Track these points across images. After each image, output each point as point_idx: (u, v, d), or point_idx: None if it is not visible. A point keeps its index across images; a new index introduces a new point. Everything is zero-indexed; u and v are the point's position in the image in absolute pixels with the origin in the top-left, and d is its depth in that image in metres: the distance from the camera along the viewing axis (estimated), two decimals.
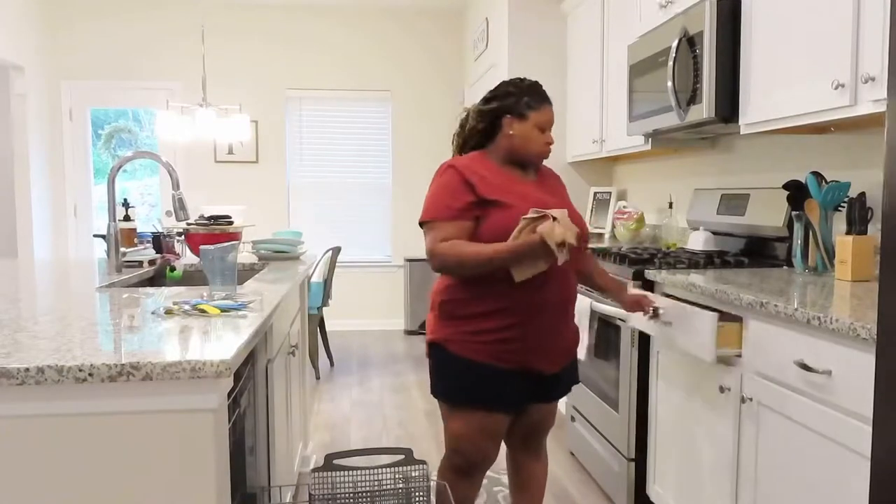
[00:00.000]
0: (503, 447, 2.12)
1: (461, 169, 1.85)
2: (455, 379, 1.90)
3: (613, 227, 4.07)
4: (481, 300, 1.83)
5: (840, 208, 2.20)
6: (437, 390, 1.95)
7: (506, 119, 1.90)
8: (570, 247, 1.66)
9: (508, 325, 1.82)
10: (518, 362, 1.86)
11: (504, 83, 1.95)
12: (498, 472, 3.00)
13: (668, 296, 2.24)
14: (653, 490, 2.47)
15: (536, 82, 1.94)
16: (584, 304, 2.78)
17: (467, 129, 2.00)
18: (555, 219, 1.67)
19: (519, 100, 1.90)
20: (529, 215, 1.71)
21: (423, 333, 5.77)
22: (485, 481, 2.91)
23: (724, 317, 1.92)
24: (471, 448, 1.93)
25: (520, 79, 1.95)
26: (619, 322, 2.58)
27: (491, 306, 1.82)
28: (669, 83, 2.58)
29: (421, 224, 1.87)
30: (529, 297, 1.81)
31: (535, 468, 2.14)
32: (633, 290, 2.19)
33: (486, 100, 1.96)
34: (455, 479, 1.97)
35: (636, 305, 2.10)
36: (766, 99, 2.19)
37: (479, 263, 1.76)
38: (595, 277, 2.09)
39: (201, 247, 1.92)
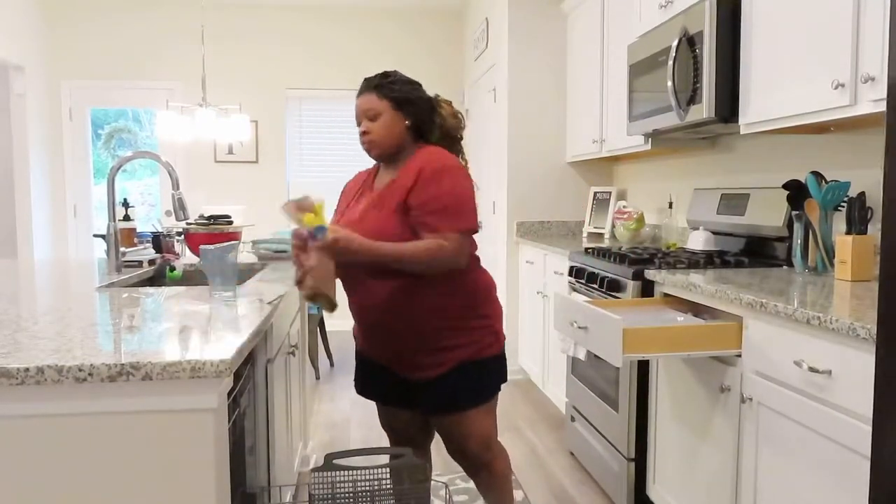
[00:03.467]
0: None
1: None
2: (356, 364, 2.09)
3: (613, 226, 4.07)
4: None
5: (840, 208, 2.20)
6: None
7: None
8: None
9: (356, 322, 1.96)
10: (376, 357, 1.96)
11: None
12: None
13: (590, 300, 2.28)
14: (653, 490, 2.47)
15: (374, 75, 1.90)
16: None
17: None
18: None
19: None
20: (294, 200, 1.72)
21: None
22: None
23: (714, 314, 1.92)
24: (387, 431, 2.13)
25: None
26: None
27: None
28: (669, 83, 2.58)
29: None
30: (351, 298, 1.91)
31: (479, 480, 2.00)
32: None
33: None
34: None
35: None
36: (766, 99, 2.19)
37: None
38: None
39: (201, 247, 1.92)
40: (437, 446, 3.33)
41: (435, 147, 1.90)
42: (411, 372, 1.89)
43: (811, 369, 1.55)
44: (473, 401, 1.89)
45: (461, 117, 2.00)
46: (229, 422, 1.32)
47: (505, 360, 1.95)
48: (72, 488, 1.13)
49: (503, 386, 4.55)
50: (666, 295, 2.31)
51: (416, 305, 1.81)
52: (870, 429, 1.37)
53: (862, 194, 2.06)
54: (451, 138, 1.97)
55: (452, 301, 1.83)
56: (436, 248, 1.74)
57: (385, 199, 1.82)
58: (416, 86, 1.91)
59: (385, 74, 1.89)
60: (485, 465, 1.97)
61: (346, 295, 1.93)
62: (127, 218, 3.10)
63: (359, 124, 1.88)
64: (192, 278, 2.84)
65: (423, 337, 1.84)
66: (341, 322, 6.22)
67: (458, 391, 1.86)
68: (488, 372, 1.90)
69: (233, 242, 1.99)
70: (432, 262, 1.75)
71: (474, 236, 1.89)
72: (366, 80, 1.89)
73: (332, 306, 1.67)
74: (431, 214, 1.77)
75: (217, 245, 1.92)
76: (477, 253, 1.95)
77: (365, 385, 2.03)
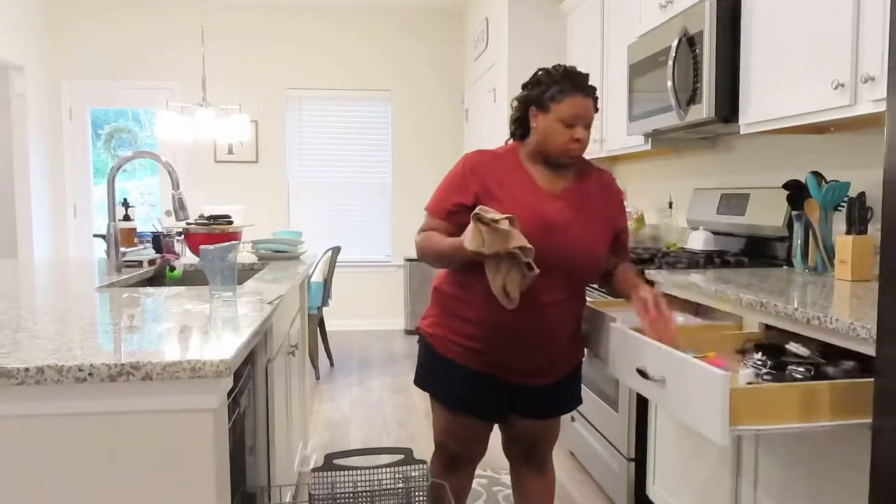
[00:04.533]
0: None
1: (471, 164, 1.77)
2: (434, 374, 1.88)
3: None
4: (465, 304, 1.78)
5: (840, 208, 2.19)
6: (418, 380, 1.93)
7: (532, 111, 1.76)
8: (516, 257, 1.50)
9: (478, 335, 1.77)
10: (493, 371, 1.80)
11: (540, 69, 1.80)
12: (497, 472, 3.00)
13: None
14: (653, 490, 2.47)
15: (573, 70, 1.74)
16: None
17: (510, 117, 1.87)
18: (495, 223, 1.50)
19: (546, 90, 1.73)
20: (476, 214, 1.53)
21: None
22: (484, 481, 2.91)
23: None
24: (452, 444, 1.92)
25: (557, 65, 1.78)
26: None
27: (469, 313, 1.77)
28: (669, 83, 2.58)
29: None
30: (494, 314, 1.71)
31: (536, 484, 2.04)
32: (643, 290, 1.73)
33: (522, 86, 1.82)
34: (441, 471, 1.96)
35: (641, 308, 1.70)
36: (766, 99, 2.19)
37: (436, 257, 1.74)
38: (615, 283, 1.86)
39: (201, 247, 1.92)
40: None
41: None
42: (545, 379, 1.84)
43: None
44: (578, 399, 1.98)
45: None
46: (229, 422, 1.32)
47: None
48: (72, 488, 1.13)
49: None
50: (666, 295, 2.31)
51: (575, 314, 1.82)
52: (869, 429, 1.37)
53: (862, 194, 2.06)
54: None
55: (580, 304, 1.86)
56: None
57: (595, 215, 1.78)
58: None
59: (588, 76, 1.78)
60: (550, 464, 2.08)
61: (493, 314, 1.71)
62: (127, 218, 3.10)
63: (570, 126, 1.71)
64: (192, 278, 2.84)
65: (562, 339, 1.81)
66: (341, 322, 6.22)
67: (571, 392, 1.94)
68: (580, 374, 1.99)
69: (233, 242, 1.99)
70: None
71: None
72: (587, 80, 1.74)
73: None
74: (627, 236, 1.93)
75: (217, 245, 1.92)
76: None
77: (473, 400, 1.84)
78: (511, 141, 1.88)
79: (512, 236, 1.50)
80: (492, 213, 1.52)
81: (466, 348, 1.80)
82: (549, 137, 1.73)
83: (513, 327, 1.73)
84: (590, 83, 1.76)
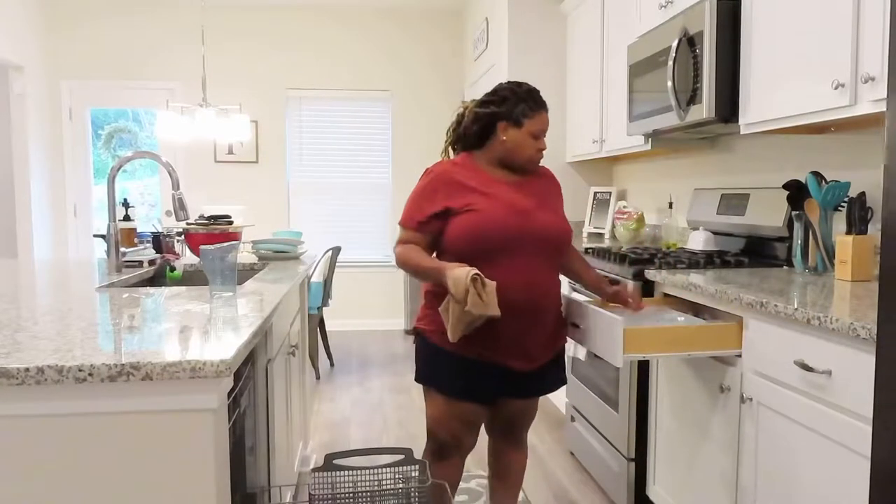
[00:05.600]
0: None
1: (436, 175, 1.93)
2: (432, 366, 2.00)
3: (613, 227, 4.07)
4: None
5: (840, 208, 2.20)
6: (418, 375, 2.05)
7: (500, 125, 1.93)
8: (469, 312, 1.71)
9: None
10: (489, 357, 1.92)
11: (502, 87, 1.96)
12: None
13: (586, 299, 2.19)
14: (653, 490, 2.47)
15: (534, 89, 1.95)
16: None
17: (462, 127, 2.02)
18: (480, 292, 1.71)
19: (515, 106, 1.91)
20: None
21: None
22: (484, 481, 2.91)
23: (715, 315, 1.91)
24: (444, 433, 2.01)
25: (518, 83, 1.96)
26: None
27: None
28: (669, 83, 2.58)
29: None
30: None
31: (514, 457, 2.19)
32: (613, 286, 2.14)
33: (483, 102, 1.97)
34: (432, 461, 2.05)
35: (616, 297, 2.08)
36: (766, 99, 2.19)
37: (415, 272, 1.90)
38: (582, 275, 2.13)
39: (201, 247, 1.92)
40: None
41: None
42: (538, 360, 1.97)
43: (811, 369, 1.55)
44: (561, 380, 2.09)
45: None
46: (229, 422, 1.32)
47: None
48: (72, 488, 1.13)
49: None
50: (666, 295, 2.31)
51: (557, 290, 1.98)
52: (870, 429, 1.37)
53: (862, 194, 2.06)
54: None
55: (558, 294, 2.02)
56: None
57: (549, 203, 1.99)
58: None
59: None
60: (525, 441, 2.21)
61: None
62: (127, 218, 3.10)
63: (536, 138, 1.94)
64: (192, 278, 2.84)
65: (548, 327, 1.97)
66: (341, 322, 6.22)
67: (556, 374, 2.06)
68: (563, 359, 2.11)
69: (233, 243, 1.99)
70: None
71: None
72: (541, 97, 1.96)
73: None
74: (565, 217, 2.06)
75: (217, 245, 1.92)
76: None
77: (471, 387, 1.95)
78: (453, 152, 2.06)
79: (489, 307, 1.71)
80: (488, 285, 1.72)
81: (463, 338, 1.88)
82: (519, 149, 1.93)
83: (512, 306, 1.85)
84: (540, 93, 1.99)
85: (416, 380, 2.04)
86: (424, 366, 2.02)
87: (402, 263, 1.92)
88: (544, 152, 1.97)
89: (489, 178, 1.94)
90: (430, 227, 1.91)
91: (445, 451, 2.04)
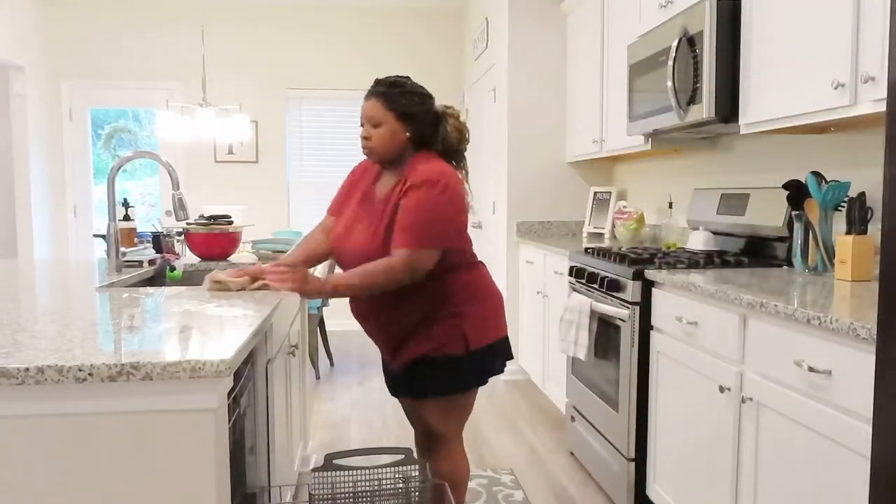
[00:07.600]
0: None
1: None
2: None
3: (613, 227, 4.07)
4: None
5: (840, 208, 2.20)
6: None
7: None
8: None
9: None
10: (383, 355, 2.10)
11: None
12: (498, 472, 3.00)
13: None
14: (653, 490, 2.47)
15: (380, 78, 1.94)
16: (584, 304, 2.79)
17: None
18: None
19: None
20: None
21: None
22: (484, 481, 2.91)
23: None
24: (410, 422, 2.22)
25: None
26: (619, 322, 2.58)
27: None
28: (669, 83, 2.58)
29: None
30: (352, 305, 2.06)
31: (433, 466, 2.08)
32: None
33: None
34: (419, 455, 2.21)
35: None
36: (766, 99, 2.19)
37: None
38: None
39: None
40: None
41: (428, 156, 1.94)
42: (397, 360, 2.03)
43: (811, 369, 1.55)
44: (429, 390, 1.98)
45: (465, 132, 2.03)
46: (229, 422, 1.32)
47: (473, 363, 1.94)
48: (72, 488, 1.13)
49: (502, 385, 4.53)
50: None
51: (385, 308, 1.96)
52: (870, 429, 1.37)
53: (862, 194, 2.06)
54: (452, 150, 2.01)
55: (409, 306, 1.93)
56: (384, 268, 1.83)
57: (382, 214, 1.92)
58: (424, 98, 1.94)
59: (395, 83, 1.91)
60: (449, 455, 2.07)
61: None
62: (127, 218, 3.10)
63: (362, 125, 1.94)
64: (192, 278, 2.84)
65: (391, 335, 1.99)
66: (341, 322, 6.22)
67: (414, 380, 1.99)
68: (445, 370, 1.94)
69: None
70: (391, 281, 1.84)
71: (474, 236, 1.97)
72: (376, 83, 1.92)
73: None
74: (399, 231, 1.84)
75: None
76: (475, 253, 2.08)
77: (385, 379, 2.20)
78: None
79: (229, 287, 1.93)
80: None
81: None
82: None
83: (356, 309, 2.05)
84: (381, 81, 1.92)
85: None
86: None
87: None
88: (368, 146, 1.94)
89: (370, 178, 2.12)
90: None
91: (417, 443, 2.20)
